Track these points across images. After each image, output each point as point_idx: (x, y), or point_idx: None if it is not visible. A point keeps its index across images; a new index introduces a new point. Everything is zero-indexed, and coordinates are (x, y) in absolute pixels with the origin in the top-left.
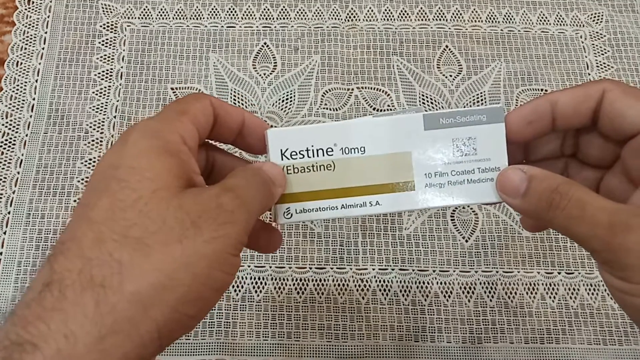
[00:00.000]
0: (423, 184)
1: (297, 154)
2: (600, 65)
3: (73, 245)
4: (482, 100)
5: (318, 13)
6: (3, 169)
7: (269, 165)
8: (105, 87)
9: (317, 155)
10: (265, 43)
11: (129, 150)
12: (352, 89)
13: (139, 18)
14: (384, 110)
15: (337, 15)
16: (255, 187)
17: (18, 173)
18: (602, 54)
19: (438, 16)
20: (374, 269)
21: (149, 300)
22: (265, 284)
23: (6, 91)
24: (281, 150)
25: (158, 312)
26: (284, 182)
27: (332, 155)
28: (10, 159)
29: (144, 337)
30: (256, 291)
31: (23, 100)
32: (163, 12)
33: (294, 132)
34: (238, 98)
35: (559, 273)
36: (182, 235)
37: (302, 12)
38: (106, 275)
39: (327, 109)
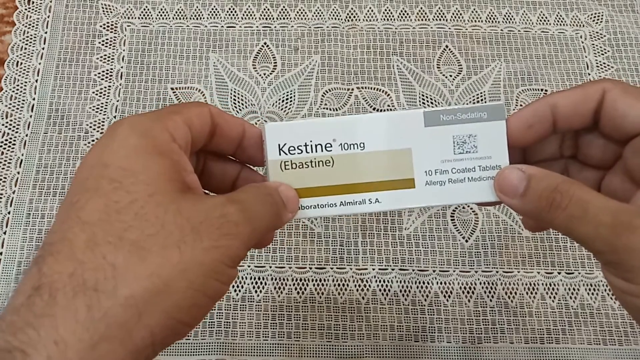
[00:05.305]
0: (423, 181)
1: (295, 149)
2: (600, 65)
3: (63, 247)
4: (482, 100)
5: (318, 13)
6: (3, 169)
7: (285, 187)
8: (105, 87)
9: (316, 151)
10: (265, 43)
11: (117, 147)
12: (352, 89)
13: (139, 18)
14: (384, 111)
15: (337, 15)
16: (264, 206)
17: (18, 173)
18: (602, 54)
19: (438, 16)
20: (374, 269)
21: (143, 305)
22: (265, 284)
23: (6, 91)
24: (279, 145)
25: (152, 319)
26: (296, 208)
27: (331, 150)
28: (10, 159)
29: (137, 343)
30: (256, 291)
31: (23, 100)
32: (163, 12)
33: (292, 127)
34: (238, 98)
35: (559, 273)
36: (181, 240)
37: (302, 12)
38: (99, 279)
39: (327, 109)
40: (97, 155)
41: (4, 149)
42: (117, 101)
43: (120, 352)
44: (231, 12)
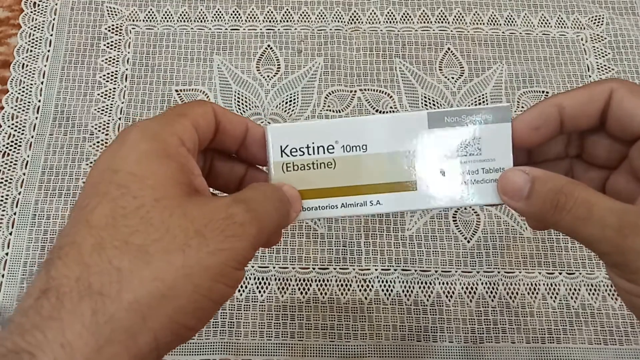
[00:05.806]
0: (425, 184)
1: (297, 151)
2: (601, 67)
3: (72, 251)
4: (484, 102)
5: (321, 16)
6: (9, 170)
7: (289, 187)
8: (110, 89)
9: (318, 153)
10: (268, 45)
11: (127, 152)
12: (355, 91)
13: (143, 20)
14: (387, 112)
15: (340, 18)
16: (273, 203)
17: (24, 174)
18: (603, 57)
19: (440, 19)
20: (376, 270)
21: (148, 310)
22: (269, 284)
23: (12, 93)
24: (281, 146)
25: (157, 323)
26: (299, 207)
27: (333, 152)
28: (16, 161)
29: (142, 348)
30: (260, 291)
31: (29, 102)
32: (167, 15)
33: (294, 129)
34: (242, 100)
35: (560, 273)
36: (185, 244)
37: (305, 15)
38: (105, 283)
39: (330, 110)
40: (107, 161)
41: (10, 150)
42: (122, 103)
43: (124, 356)
44: (235, 14)
